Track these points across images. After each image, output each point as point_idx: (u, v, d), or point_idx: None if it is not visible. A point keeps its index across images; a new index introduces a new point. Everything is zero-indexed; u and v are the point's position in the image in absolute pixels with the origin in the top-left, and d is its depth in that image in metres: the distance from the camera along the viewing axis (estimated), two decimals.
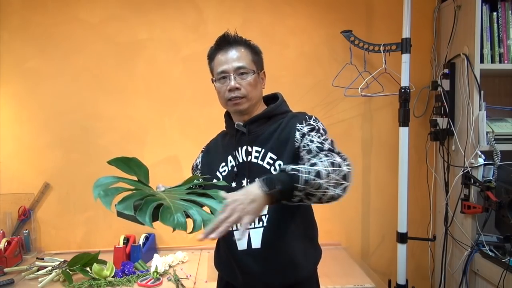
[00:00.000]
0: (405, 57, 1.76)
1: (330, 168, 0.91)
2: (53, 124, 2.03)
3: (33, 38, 1.99)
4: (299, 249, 1.13)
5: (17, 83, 2.00)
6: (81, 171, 2.04)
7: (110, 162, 0.93)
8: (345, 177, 0.93)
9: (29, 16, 1.98)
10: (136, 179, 0.98)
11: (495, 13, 1.76)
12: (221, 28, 2.16)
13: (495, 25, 1.76)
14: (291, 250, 1.12)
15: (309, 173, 0.88)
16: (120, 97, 2.04)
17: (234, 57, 1.11)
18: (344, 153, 1.00)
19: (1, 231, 1.90)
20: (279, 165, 1.08)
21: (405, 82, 1.76)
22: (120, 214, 0.88)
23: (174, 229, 0.83)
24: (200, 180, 1.15)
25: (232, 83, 1.10)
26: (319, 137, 1.06)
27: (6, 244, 1.79)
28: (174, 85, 2.05)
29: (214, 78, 1.17)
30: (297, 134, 1.08)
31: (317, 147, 1.02)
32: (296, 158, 1.06)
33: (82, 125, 2.03)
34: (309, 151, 1.01)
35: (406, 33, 1.76)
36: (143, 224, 0.84)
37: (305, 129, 1.08)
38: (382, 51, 1.84)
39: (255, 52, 1.16)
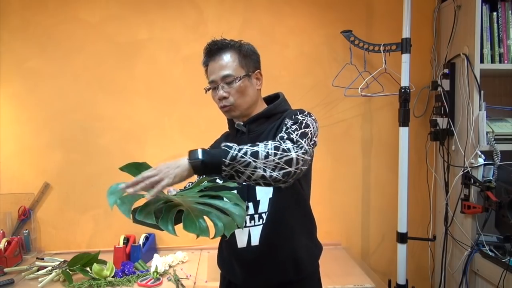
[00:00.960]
0: (405, 57, 1.76)
1: (272, 151, 0.90)
2: (53, 124, 2.03)
3: (33, 38, 1.99)
4: (300, 245, 1.14)
5: (17, 83, 2.00)
6: (81, 171, 2.04)
7: (122, 169, 0.94)
8: (289, 162, 0.90)
9: (29, 16, 1.98)
10: None
11: (495, 13, 1.76)
12: (221, 28, 2.18)
13: (495, 25, 1.76)
14: (292, 246, 1.12)
15: (240, 150, 0.89)
16: (120, 97, 2.04)
17: (220, 66, 1.12)
18: (306, 144, 0.97)
19: (1, 231, 1.90)
20: None
21: (405, 82, 1.76)
22: (137, 221, 0.88)
23: (198, 236, 0.84)
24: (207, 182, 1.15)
25: (220, 92, 1.12)
26: (295, 130, 1.01)
27: (6, 244, 1.79)
28: (174, 85, 2.05)
29: (206, 88, 1.20)
30: (283, 128, 1.07)
31: (280, 136, 0.99)
32: None
33: (82, 125, 2.03)
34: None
35: (406, 33, 1.76)
36: (162, 230, 0.85)
37: (289, 123, 1.06)
38: (382, 51, 1.84)
39: (245, 55, 1.15)
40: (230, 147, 0.90)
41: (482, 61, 1.75)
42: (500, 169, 1.72)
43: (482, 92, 1.74)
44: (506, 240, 1.65)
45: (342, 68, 1.97)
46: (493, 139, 1.72)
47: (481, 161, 1.74)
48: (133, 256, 1.83)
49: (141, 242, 1.91)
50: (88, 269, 1.68)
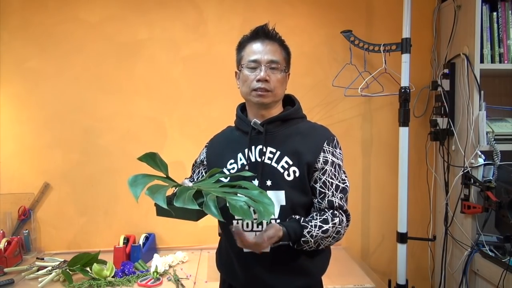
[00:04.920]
0: (405, 57, 1.76)
1: (333, 234, 1.07)
2: (53, 124, 2.03)
3: (33, 38, 1.99)
4: (309, 257, 1.12)
5: (17, 83, 2.00)
6: (81, 171, 2.04)
7: (140, 159, 0.96)
8: (337, 239, 1.10)
9: (29, 16, 1.98)
10: (164, 175, 1.00)
11: (495, 13, 1.76)
12: (221, 28, 2.17)
13: (495, 25, 1.76)
14: (301, 257, 1.11)
15: (313, 237, 1.04)
16: (120, 97, 2.04)
17: (269, 50, 1.11)
18: (347, 206, 1.14)
19: (1, 231, 1.90)
20: (294, 171, 1.09)
21: (405, 82, 1.76)
22: (162, 213, 0.90)
23: (242, 220, 0.92)
24: (219, 173, 1.14)
25: (263, 73, 1.09)
26: (336, 177, 1.12)
27: (6, 244, 1.79)
28: (174, 85, 2.05)
29: (241, 66, 1.14)
30: (321, 156, 1.10)
31: (328, 201, 1.09)
32: (310, 171, 1.10)
33: (82, 125, 2.03)
34: (323, 196, 1.10)
35: (406, 33, 1.76)
36: (195, 219, 0.90)
37: (329, 157, 1.11)
38: (382, 51, 1.84)
39: (288, 53, 1.18)
40: (313, 237, 1.03)
41: (482, 61, 1.75)
42: (500, 169, 1.72)
43: (482, 92, 1.74)
44: (506, 240, 1.65)
45: (342, 68, 1.97)
46: (493, 139, 1.72)
47: (481, 161, 1.74)
48: (133, 256, 1.83)
49: (141, 242, 1.91)
50: (88, 269, 1.68)
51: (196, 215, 0.89)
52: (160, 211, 0.89)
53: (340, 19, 2.05)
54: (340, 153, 1.16)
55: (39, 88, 2.01)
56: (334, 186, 1.10)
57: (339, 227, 1.07)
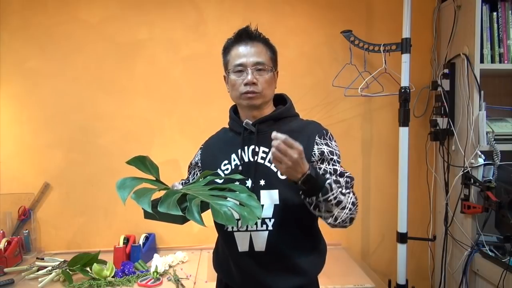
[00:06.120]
0: (405, 57, 1.76)
1: (349, 205, 1.01)
2: (53, 124, 2.03)
3: (33, 38, 1.99)
4: (304, 256, 1.12)
5: (17, 83, 2.00)
6: (81, 171, 2.04)
7: (129, 162, 0.95)
8: (351, 220, 1.03)
9: (29, 16, 1.98)
10: (154, 178, 0.99)
11: (495, 13, 1.76)
12: (221, 28, 2.17)
13: (495, 25, 1.76)
14: (296, 256, 1.11)
15: (334, 198, 0.97)
16: (120, 97, 2.04)
17: (253, 52, 1.10)
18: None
19: (1, 231, 1.90)
20: None
21: (405, 82, 1.76)
22: (149, 216, 0.89)
23: (226, 226, 0.87)
24: (210, 175, 1.14)
25: (249, 77, 1.08)
26: (338, 165, 1.09)
27: (6, 244, 1.79)
28: (174, 85, 2.05)
29: (228, 71, 1.14)
30: (316, 149, 1.08)
31: (346, 181, 1.06)
32: None
33: (82, 125, 2.03)
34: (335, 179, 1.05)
35: (406, 33, 1.76)
36: (180, 223, 0.88)
37: (324, 148, 1.09)
38: (382, 51, 1.84)
39: (273, 51, 1.16)
40: (332, 189, 0.97)
41: (482, 61, 1.75)
42: (500, 169, 1.72)
43: (482, 92, 1.74)
44: (506, 240, 1.65)
45: (342, 68, 1.97)
46: (493, 139, 1.72)
47: (481, 161, 1.74)
48: (133, 256, 1.83)
49: (141, 242, 1.91)
50: (88, 269, 1.68)
51: (182, 219, 0.88)
52: (147, 215, 0.89)
53: (340, 19, 2.05)
54: (336, 145, 1.13)
55: (39, 88, 2.02)
56: (338, 173, 1.07)
57: (353, 198, 1.03)
